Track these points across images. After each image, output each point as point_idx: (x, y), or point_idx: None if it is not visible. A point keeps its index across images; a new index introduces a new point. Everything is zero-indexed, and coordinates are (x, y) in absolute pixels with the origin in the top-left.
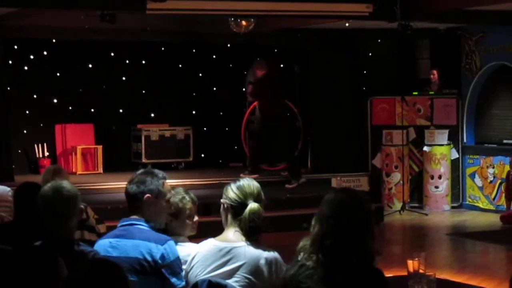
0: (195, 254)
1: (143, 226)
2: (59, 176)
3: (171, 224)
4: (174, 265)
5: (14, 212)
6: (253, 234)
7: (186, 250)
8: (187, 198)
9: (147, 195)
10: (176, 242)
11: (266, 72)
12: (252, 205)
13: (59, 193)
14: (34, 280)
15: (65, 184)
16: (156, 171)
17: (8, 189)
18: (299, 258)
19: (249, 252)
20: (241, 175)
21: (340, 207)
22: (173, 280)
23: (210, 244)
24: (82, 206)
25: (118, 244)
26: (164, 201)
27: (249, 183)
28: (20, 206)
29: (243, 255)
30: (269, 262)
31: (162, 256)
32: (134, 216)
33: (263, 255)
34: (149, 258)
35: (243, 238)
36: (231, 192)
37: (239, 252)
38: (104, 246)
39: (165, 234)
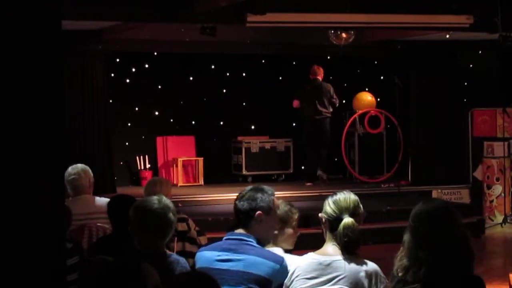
0: (295, 268)
1: (253, 244)
2: (161, 188)
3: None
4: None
5: (110, 224)
6: (349, 248)
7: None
8: (294, 209)
9: (258, 212)
10: None
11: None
12: (346, 220)
13: (147, 206)
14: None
15: (156, 198)
16: (266, 187)
17: None
18: (397, 274)
19: (349, 265)
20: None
21: (427, 218)
22: None
23: (309, 258)
24: (185, 216)
25: (229, 258)
26: (273, 218)
27: (345, 196)
28: (113, 219)
29: (343, 268)
30: (369, 275)
31: (278, 276)
32: (241, 231)
33: (363, 268)
34: (265, 276)
35: (340, 252)
36: (328, 206)
37: (338, 266)
38: (211, 258)
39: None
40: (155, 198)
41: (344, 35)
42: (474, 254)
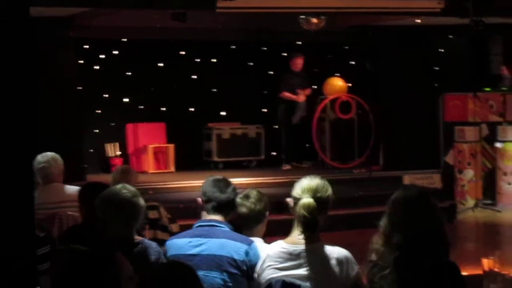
0: (265, 257)
1: (225, 228)
2: (127, 176)
3: (252, 229)
4: (255, 268)
5: (80, 213)
6: (307, 229)
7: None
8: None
9: (267, 214)
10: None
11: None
12: (303, 200)
13: (117, 196)
14: (96, 278)
15: (124, 187)
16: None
17: None
18: (371, 258)
19: (319, 253)
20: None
21: (406, 204)
22: (253, 283)
23: (279, 247)
24: (156, 204)
25: (201, 243)
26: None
27: (309, 179)
28: (85, 207)
29: (313, 256)
30: (340, 262)
31: (248, 256)
32: (214, 218)
33: (334, 254)
34: (236, 257)
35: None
36: (293, 190)
37: (308, 254)
38: (183, 245)
39: None
40: (120, 186)
41: (315, 20)
42: (449, 241)
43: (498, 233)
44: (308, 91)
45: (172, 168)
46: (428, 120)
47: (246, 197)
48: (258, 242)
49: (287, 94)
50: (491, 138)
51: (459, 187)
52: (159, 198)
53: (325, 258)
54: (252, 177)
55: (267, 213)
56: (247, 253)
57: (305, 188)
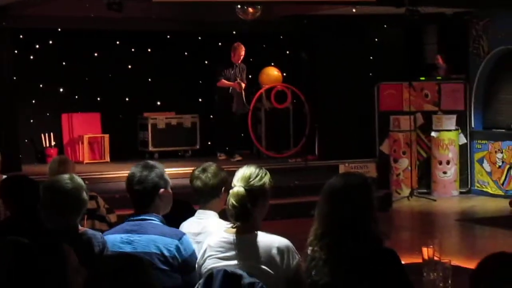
0: (206, 247)
1: (155, 221)
2: (65, 167)
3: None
4: (191, 260)
5: (6, 206)
6: (238, 221)
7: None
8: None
9: (162, 189)
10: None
11: None
12: (233, 189)
13: (60, 186)
14: (43, 268)
15: (68, 177)
16: (151, 162)
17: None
18: (308, 252)
19: (259, 242)
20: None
21: (331, 192)
22: (190, 276)
23: (219, 237)
24: (94, 194)
25: (131, 239)
26: (169, 189)
27: (245, 169)
28: (13, 199)
29: (254, 245)
30: (281, 251)
31: (179, 251)
32: (144, 211)
33: (275, 244)
34: (166, 253)
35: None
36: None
37: (249, 243)
38: (115, 241)
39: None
40: (67, 177)
41: (250, 10)
42: (381, 228)
43: (433, 222)
44: (244, 84)
45: (107, 158)
46: (364, 109)
47: (203, 170)
48: (212, 216)
49: (225, 82)
50: (426, 127)
51: (394, 176)
52: (95, 188)
53: (267, 247)
54: (188, 166)
55: (224, 188)
56: (177, 248)
57: (239, 177)
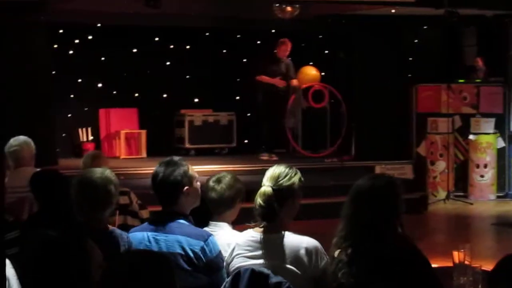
0: (234, 246)
1: (182, 221)
2: (98, 162)
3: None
4: (217, 261)
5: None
6: (264, 220)
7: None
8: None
9: (186, 187)
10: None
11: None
12: (261, 189)
13: (94, 182)
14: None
15: (98, 170)
16: (175, 158)
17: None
18: (335, 254)
19: (287, 242)
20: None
21: (357, 194)
22: (216, 276)
23: (248, 235)
24: (126, 189)
25: (157, 238)
26: (196, 184)
27: (274, 168)
28: (38, 194)
29: (282, 245)
30: (309, 252)
31: (204, 252)
32: (170, 208)
33: (303, 244)
34: (190, 254)
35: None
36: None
37: (276, 242)
38: (141, 239)
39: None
40: (98, 170)
41: (289, 8)
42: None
43: (468, 225)
44: (295, 81)
45: (144, 154)
46: (401, 110)
47: (218, 181)
48: (225, 228)
49: (264, 78)
50: (464, 130)
51: (431, 178)
52: (130, 183)
53: (295, 248)
54: (224, 164)
55: (239, 199)
56: (202, 250)
57: (268, 176)
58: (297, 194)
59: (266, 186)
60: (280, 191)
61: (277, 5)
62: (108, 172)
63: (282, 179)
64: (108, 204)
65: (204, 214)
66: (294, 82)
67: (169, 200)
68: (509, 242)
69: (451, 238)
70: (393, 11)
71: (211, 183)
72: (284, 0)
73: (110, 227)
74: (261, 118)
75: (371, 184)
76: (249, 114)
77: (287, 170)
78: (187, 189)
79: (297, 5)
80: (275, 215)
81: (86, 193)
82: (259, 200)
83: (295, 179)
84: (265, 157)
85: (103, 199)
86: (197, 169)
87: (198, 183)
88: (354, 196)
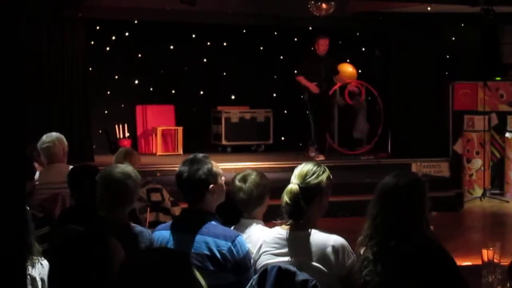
0: (262, 243)
1: (210, 220)
2: (130, 159)
3: (250, 213)
4: (244, 261)
5: (71, 194)
6: (291, 218)
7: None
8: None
9: (211, 185)
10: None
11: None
12: (287, 187)
13: (113, 177)
14: (88, 260)
15: (123, 168)
16: (199, 155)
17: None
18: (361, 251)
19: (314, 239)
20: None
21: (382, 192)
22: (244, 276)
23: (275, 233)
24: (159, 186)
25: (183, 239)
26: (221, 180)
27: (303, 166)
28: (74, 189)
29: (309, 242)
30: (336, 250)
31: (232, 253)
32: (197, 206)
33: (330, 242)
34: (218, 255)
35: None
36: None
37: (303, 240)
38: (166, 238)
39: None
40: (120, 166)
41: (324, 5)
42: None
43: (504, 223)
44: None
45: (181, 151)
46: (437, 108)
47: (244, 180)
48: (256, 225)
49: (302, 80)
50: (501, 127)
51: (467, 176)
52: (166, 180)
53: (322, 245)
54: (261, 161)
55: (267, 196)
56: (230, 251)
57: (296, 174)
58: (325, 192)
59: (293, 184)
60: (307, 189)
61: (312, 2)
62: (129, 169)
63: (310, 177)
64: (126, 200)
65: (232, 212)
66: (337, 84)
67: (195, 198)
68: None
69: (487, 236)
70: (429, 8)
71: (237, 183)
72: None
73: (132, 224)
74: (311, 118)
75: (395, 182)
76: (285, 111)
77: (315, 168)
78: (212, 186)
79: (332, 3)
80: (302, 213)
81: (106, 188)
82: (285, 198)
83: (323, 177)
84: (313, 153)
85: (121, 194)
86: (233, 166)
87: (223, 179)
88: (379, 194)
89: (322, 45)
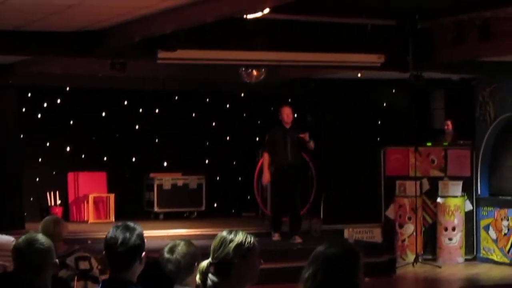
0: None
1: None
2: (55, 227)
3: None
4: None
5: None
6: None
7: None
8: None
9: (143, 252)
10: None
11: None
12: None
13: (31, 246)
14: None
15: (39, 237)
16: (131, 224)
17: (12, 239)
18: None
19: None
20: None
21: (313, 258)
22: None
23: None
24: (87, 254)
25: None
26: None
27: (215, 238)
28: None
29: None
30: None
31: None
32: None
33: None
34: None
35: None
36: None
37: None
38: None
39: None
40: (39, 235)
41: (254, 72)
42: None
43: None
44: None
45: (113, 218)
46: (370, 173)
47: (171, 251)
48: None
49: (265, 162)
50: (432, 193)
51: (399, 241)
52: (97, 248)
53: None
54: (193, 228)
55: (197, 263)
56: None
57: (211, 249)
58: (238, 263)
59: (204, 261)
60: (219, 264)
61: (243, 69)
62: (46, 239)
63: (218, 250)
64: (45, 269)
65: (162, 280)
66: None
67: (124, 264)
68: None
69: None
70: (359, 75)
71: (165, 255)
72: (250, 64)
73: None
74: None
75: (326, 250)
76: (218, 178)
77: (223, 238)
78: (144, 254)
79: (263, 69)
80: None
81: (26, 259)
82: (198, 276)
83: (230, 247)
84: (276, 237)
85: (41, 265)
86: (166, 233)
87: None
88: (311, 260)
89: (287, 114)
